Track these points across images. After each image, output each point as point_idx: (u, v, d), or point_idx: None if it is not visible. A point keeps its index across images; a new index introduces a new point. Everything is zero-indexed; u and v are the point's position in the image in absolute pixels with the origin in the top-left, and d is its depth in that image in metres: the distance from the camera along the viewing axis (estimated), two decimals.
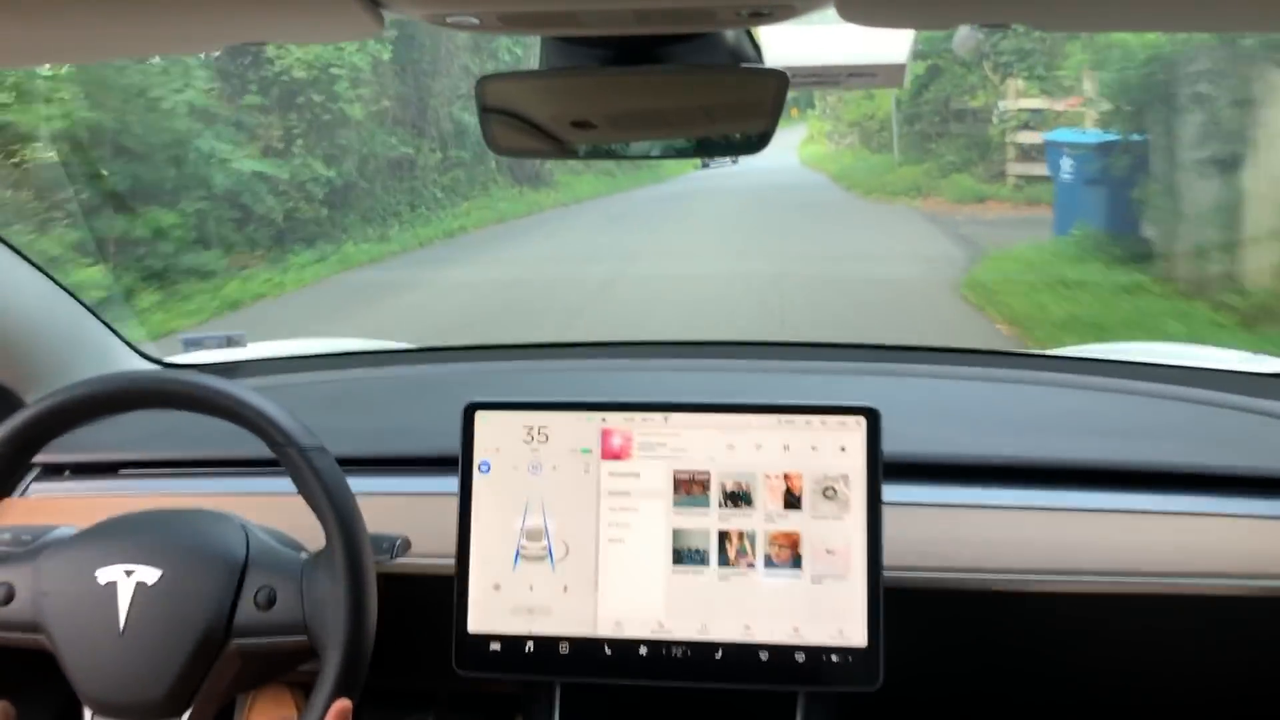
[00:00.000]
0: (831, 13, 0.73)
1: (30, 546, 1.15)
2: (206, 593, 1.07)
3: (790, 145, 28.87)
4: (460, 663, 1.23)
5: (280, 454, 1.08)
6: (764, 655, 1.20)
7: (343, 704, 1.01)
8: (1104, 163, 8.10)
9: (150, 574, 1.07)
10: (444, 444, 1.29)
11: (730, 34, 0.91)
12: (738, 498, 1.22)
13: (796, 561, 1.20)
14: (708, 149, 1.07)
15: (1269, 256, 6.07)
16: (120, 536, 1.10)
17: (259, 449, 1.09)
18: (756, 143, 0.99)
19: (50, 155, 7.32)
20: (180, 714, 1.06)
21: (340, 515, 1.06)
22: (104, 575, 1.07)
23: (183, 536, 1.10)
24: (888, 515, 1.20)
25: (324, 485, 1.07)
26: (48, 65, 6.88)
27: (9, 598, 1.09)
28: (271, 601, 1.07)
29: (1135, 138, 7.96)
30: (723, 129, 1.02)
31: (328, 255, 10.27)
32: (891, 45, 1.08)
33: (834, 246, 10.11)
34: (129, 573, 1.07)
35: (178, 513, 1.15)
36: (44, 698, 1.21)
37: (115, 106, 8.44)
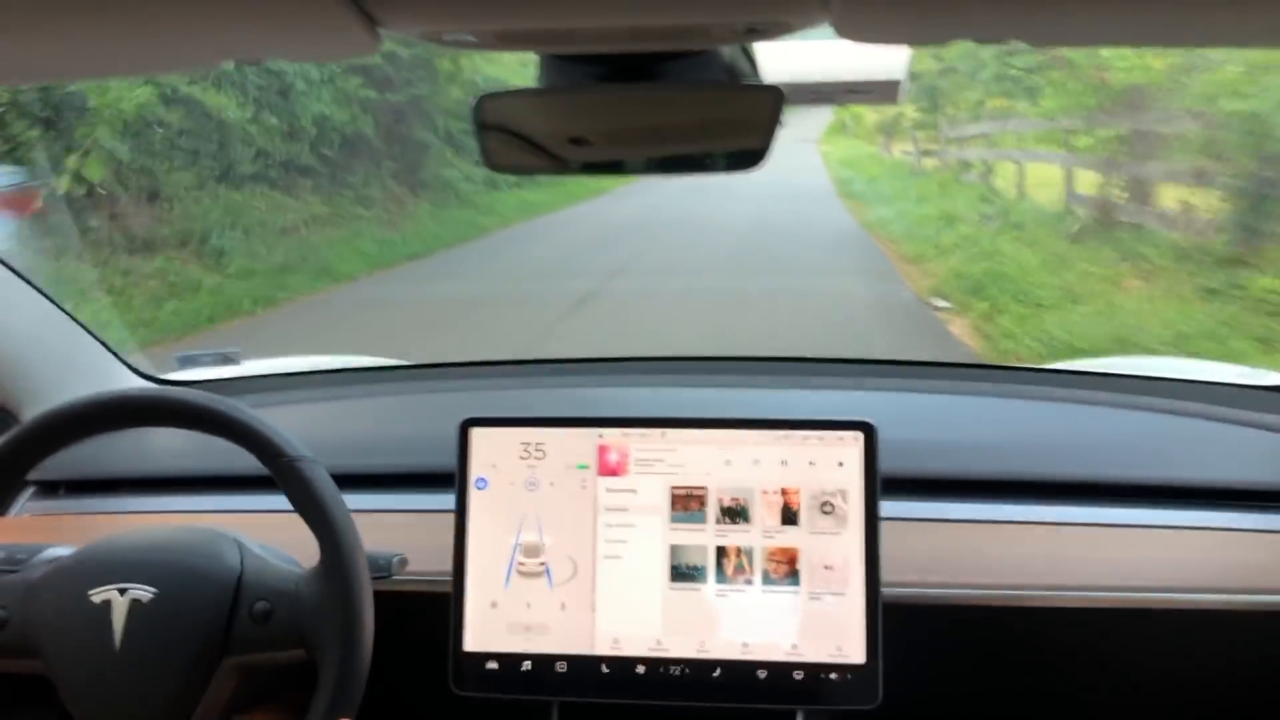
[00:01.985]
0: (828, 29, 0.73)
1: (24, 566, 1.14)
2: (202, 608, 1.06)
3: (806, 138, 19.87)
4: (457, 682, 1.22)
5: (271, 466, 1.08)
6: (762, 674, 1.19)
7: None
8: None
9: (145, 592, 1.06)
10: (440, 460, 1.29)
11: (726, 51, 0.91)
12: (735, 513, 1.21)
13: (794, 577, 1.20)
14: (704, 165, 1.07)
15: None
16: (113, 556, 1.10)
17: (254, 466, 1.09)
18: (752, 159, 1.00)
19: None
20: None
21: (334, 526, 1.06)
22: (98, 595, 1.06)
23: (177, 554, 1.10)
24: (886, 531, 1.20)
25: (316, 496, 1.06)
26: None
27: (2, 624, 1.08)
28: (268, 615, 1.07)
29: None
30: (719, 145, 1.02)
31: None
32: (889, 61, 1.09)
33: None
34: (123, 591, 1.06)
35: (171, 530, 1.15)
36: None
37: None
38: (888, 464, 1.21)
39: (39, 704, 1.13)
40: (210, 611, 1.06)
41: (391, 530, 1.32)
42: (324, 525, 1.06)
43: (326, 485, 1.07)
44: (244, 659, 1.07)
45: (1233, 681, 1.37)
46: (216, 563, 1.09)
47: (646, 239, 9.63)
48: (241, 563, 1.10)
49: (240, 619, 1.07)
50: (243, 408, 1.09)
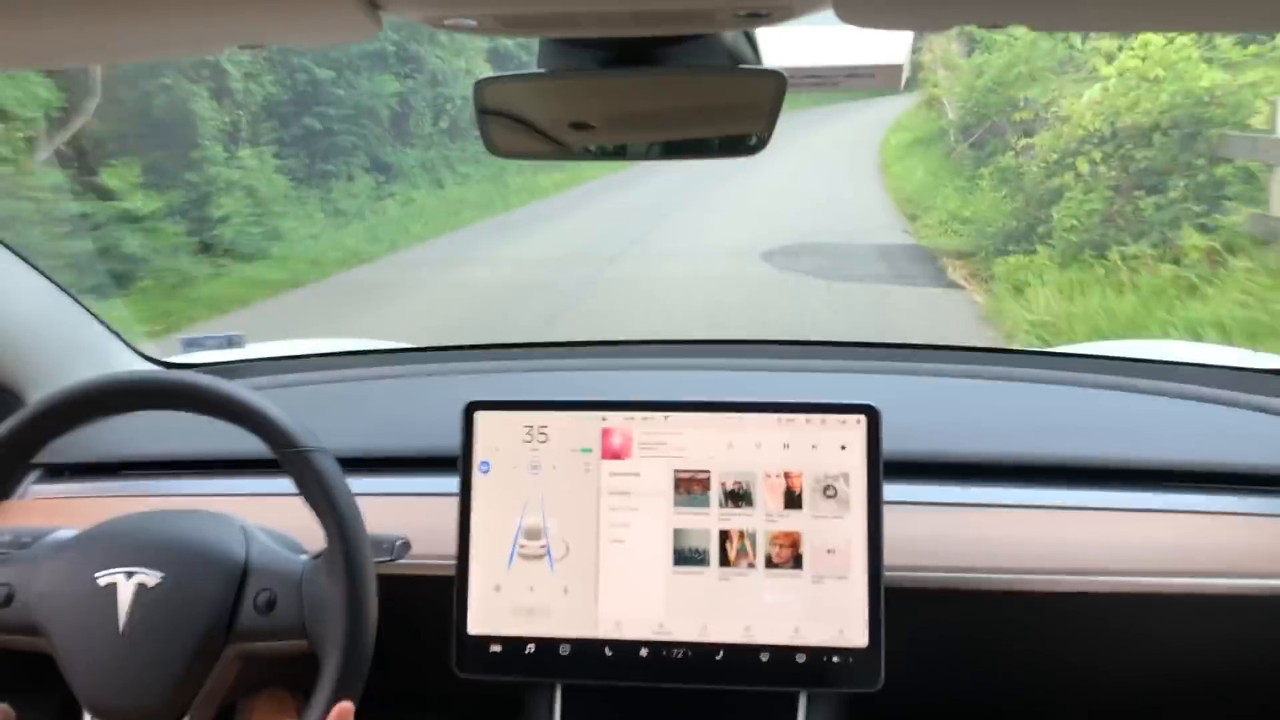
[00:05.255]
0: (829, 14, 0.73)
1: (31, 548, 1.15)
2: (207, 596, 1.07)
3: (858, 140, 13.72)
4: (461, 664, 1.23)
5: (282, 456, 1.08)
6: (764, 656, 1.20)
7: (344, 706, 1.01)
8: None
9: (151, 577, 1.07)
10: (444, 443, 1.29)
11: (728, 35, 0.91)
12: (738, 497, 1.22)
13: (797, 561, 1.20)
14: (706, 150, 1.07)
15: None
16: (121, 539, 1.11)
17: (259, 448, 1.09)
18: (754, 144, 1.00)
19: None
20: (179, 717, 1.07)
21: (341, 519, 1.06)
22: (104, 578, 1.07)
23: (183, 539, 1.10)
24: (888, 514, 1.20)
25: (325, 488, 1.07)
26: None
27: (9, 599, 1.09)
28: (271, 605, 1.07)
29: None
30: (721, 130, 1.02)
31: None
32: (891, 45, 1.09)
33: None
34: (129, 575, 1.07)
35: (178, 514, 1.15)
36: (43, 700, 1.21)
37: None
38: (890, 447, 1.21)
39: (44, 681, 1.14)
40: (215, 598, 1.07)
41: (395, 513, 1.32)
42: (332, 517, 1.06)
43: (336, 477, 1.08)
44: (247, 647, 1.07)
45: (1234, 665, 1.37)
46: (222, 549, 1.10)
47: None
48: (247, 551, 1.11)
49: (244, 608, 1.07)
50: (253, 394, 1.10)
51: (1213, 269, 5.84)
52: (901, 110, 15.41)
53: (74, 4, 0.71)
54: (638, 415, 1.25)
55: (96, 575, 1.07)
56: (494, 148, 1.03)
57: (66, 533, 1.17)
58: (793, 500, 1.21)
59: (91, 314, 1.64)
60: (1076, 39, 8.75)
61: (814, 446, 1.22)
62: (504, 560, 1.24)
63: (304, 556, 1.13)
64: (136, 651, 1.05)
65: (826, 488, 1.21)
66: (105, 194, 7.43)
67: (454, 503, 1.25)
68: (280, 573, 1.09)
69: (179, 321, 6.72)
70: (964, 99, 11.00)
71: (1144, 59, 7.07)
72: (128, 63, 7.47)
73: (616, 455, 1.24)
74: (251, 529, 1.14)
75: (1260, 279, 5.47)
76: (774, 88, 0.93)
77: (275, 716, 1.17)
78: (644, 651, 1.21)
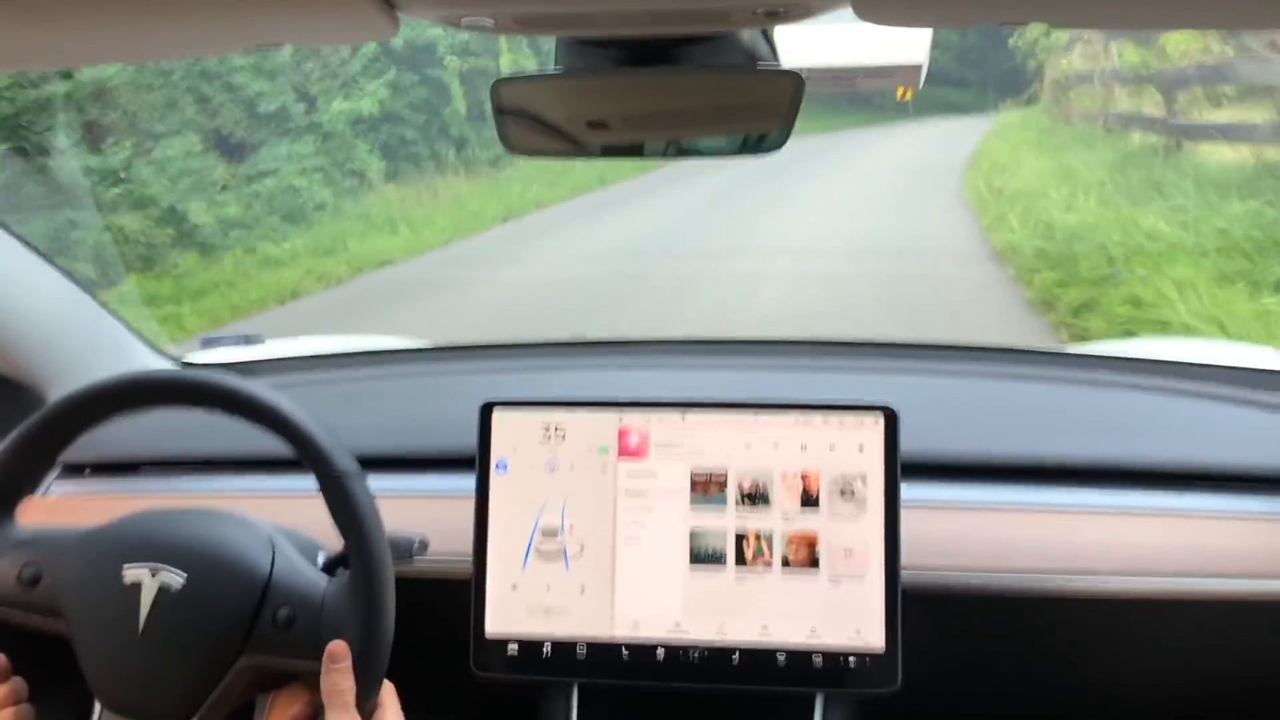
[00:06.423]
0: (848, 12, 0.72)
1: (61, 536, 1.15)
2: (227, 605, 1.07)
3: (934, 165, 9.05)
4: (478, 664, 1.23)
5: (320, 476, 1.08)
6: (781, 657, 1.19)
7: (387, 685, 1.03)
8: None
9: (175, 579, 1.07)
10: (461, 443, 1.29)
11: (746, 34, 0.91)
12: (755, 497, 1.21)
13: (814, 562, 1.20)
14: (723, 150, 1.06)
15: None
16: (149, 536, 1.11)
17: (278, 448, 1.09)
18: (772, 144, 0.99)
19: None
20: (189, 717, 1.07)
21: (369, 545, 1.06)
22: (129, 574, 1.07)
23: (210, 544, 1.10)
24: (905, 515, 1.19)
25: (357, 514, 1.07)
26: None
27: (36, 579, 1.10)
28: (290, 622, 1.07)
29: None
30: (738, 130, 1.02)
31: None
32: (910, 44, 1.08)
33: None
34: (154, 574, 1.07)
35: (207, 517, 1.15)
36: (61, 688, 1.22)
37: None
38: (908, 447, 1.21)
39: (62, 671, 1.15)
40: (235, 609, 1.06)
41: (411, 512, 1.32)
42: (360, 542, 1.06)
43: (368, 503, 1.08)
44: (261, 659, 1.07)
45: (1259, 670, 1.36)
46: (248, 560, 1.10)
47: None
48: (273, 564, 1.10)
49: (263, 622, 1.07)
50: (297, 408, 1.09)
51: None
52: (968, 151, 8.97)
53: (91, 4, 0.71)
54: (655, 414, 1.24)
55: (123, 571, 1.08)
56: (511, 146, 1.03)
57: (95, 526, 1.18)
58: (810, 501, 1.21)
59: (110, 311, 1.65)
60: None
61: (831, 447, 1.21)
62: (520, 560, 1.24)
63: (326, 576, 1.12)
64: (152, 652, 1.06)
65: (844, 488, 1.20)
66: None
67: (470, 502, 1.25)
68: (302, 591, 1.09)
69: None
70: None
71: None
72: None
73: (633, 455, 1.24)
74: (278, 540, 1.14)
75: None
76: (792, 88, 0.93)
77: (295, 711, 1.17)
78: (660, 652, 1.21)
